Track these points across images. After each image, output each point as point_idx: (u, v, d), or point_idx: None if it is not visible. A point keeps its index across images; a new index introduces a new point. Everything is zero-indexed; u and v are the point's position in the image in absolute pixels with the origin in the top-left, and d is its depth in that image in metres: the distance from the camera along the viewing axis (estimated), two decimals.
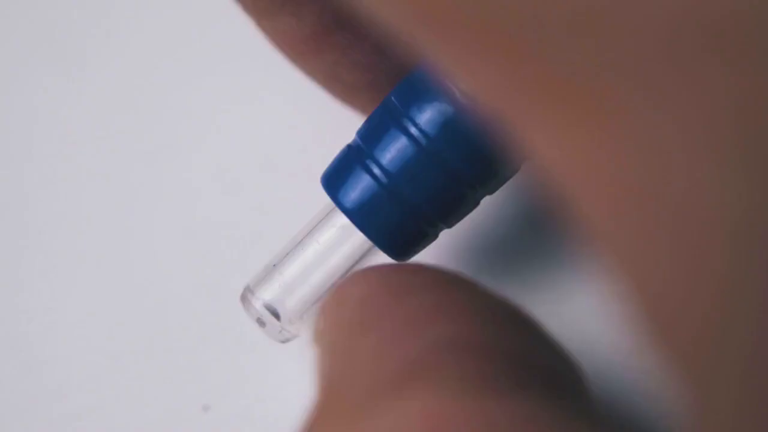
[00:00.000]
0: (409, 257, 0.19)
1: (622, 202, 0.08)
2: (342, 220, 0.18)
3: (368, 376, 0.13)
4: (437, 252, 0.20)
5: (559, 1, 0.07)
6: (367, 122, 0.18)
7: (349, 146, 0.18)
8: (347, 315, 0.15)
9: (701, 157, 0.08)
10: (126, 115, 0.24)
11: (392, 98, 0.17)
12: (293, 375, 0.21)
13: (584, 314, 0.20)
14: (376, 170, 0.17)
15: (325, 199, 0.18)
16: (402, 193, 0.17)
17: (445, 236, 0.19)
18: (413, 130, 0.17)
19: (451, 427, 0.12)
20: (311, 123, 0.23)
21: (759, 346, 0.08)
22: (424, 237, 0.18)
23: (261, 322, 0.19)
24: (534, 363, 0.14)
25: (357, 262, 0.19)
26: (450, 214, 0.18)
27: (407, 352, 0.13)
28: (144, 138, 0.23)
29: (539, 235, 0.21)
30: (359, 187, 0.18)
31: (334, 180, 0.18)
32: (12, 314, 0.23)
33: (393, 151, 0.17)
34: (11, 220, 0.23)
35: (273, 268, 0.19)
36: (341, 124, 0.22)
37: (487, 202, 0.18)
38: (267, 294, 0.19)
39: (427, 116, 0.17)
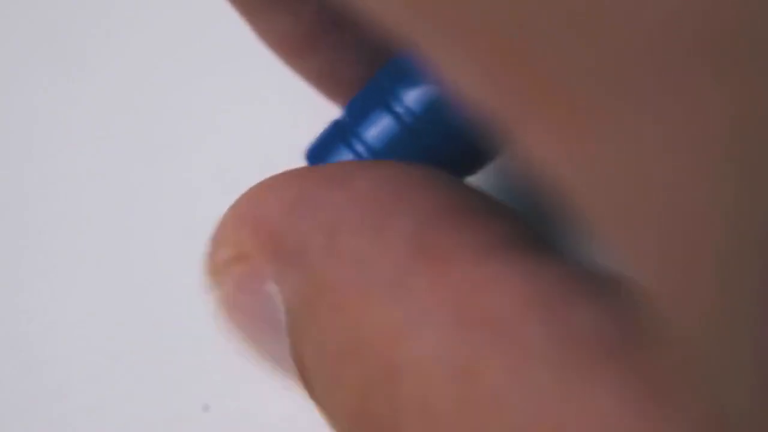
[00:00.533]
0: None
1: (613, 201, 0.08)
2: None
3: (389, 253, 0.12)
4: None
5: (555, 3, 0.08)
6: (355, 98, 0.18)
7: (335, 121, 0.18)
8: (296, 220, 0.13)
9: (685, 159, 0.08)
10: (126, 115, 0.24)
11: (379, 77, 0.17)
12: (295, 375, 0.21)
13: None
14: (360, 147, 0.17)
15: None
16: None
17: None
18: (398, 108, 0.17)
19: (501, 291, 0.12)
20: (312, 123, 0.23)
21: (760, 339, 0.08)
22: None
23: None
24: (521, 221, 0.13)
25: None
26: None
27: (407, 221, 0.13)
28: (144, 138, 0.23)
29: None
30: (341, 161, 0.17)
31: (318, 154, 0.18)
32: (12, 314, 0.23)
33: (377, 128, 0.17)
34: (11, 220, 0.23)
35: None
36: None
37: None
38: None
39: (413, 96, 0.17)
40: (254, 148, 0.23)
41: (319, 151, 0.18)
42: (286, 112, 0.23)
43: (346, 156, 0.17)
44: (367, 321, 0.12)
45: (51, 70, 0.24)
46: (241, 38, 0.23)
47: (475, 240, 0.12)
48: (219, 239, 0.15)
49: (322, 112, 0.22)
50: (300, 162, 0.22)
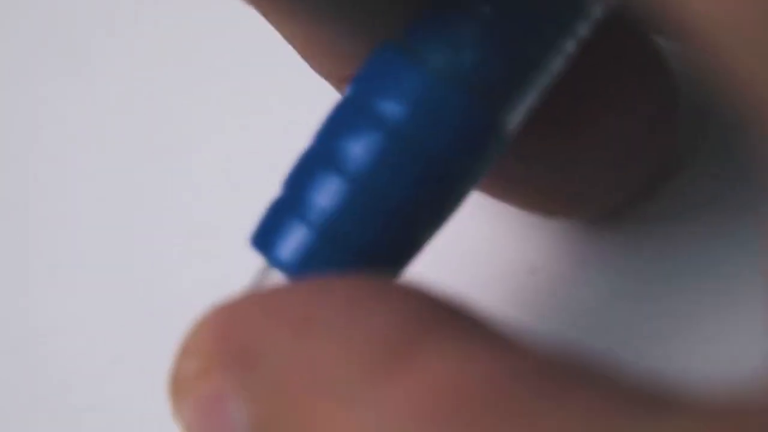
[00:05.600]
0: None
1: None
2: (281, 278, 0.16)
3: (346, 363, 0.12)
4: None
5: None
6: (292, 170, 0.16)
7: (274, 200, 0.16)
8: (259, 333, 0.13)
9: None
10: (129, 116, 0.24)
11: (316, 139, 0.16)
12: None
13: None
14: (308, 217, 0.15)
15: None
16: (339, 237, 0.15)
17: None
18: (341, 166, 0.15)
19: (475, 380, 0.12)
20: (317, 123, 0.23)
21: None
22: None
23: None
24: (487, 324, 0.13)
25: None
26: (399, 254, 0.16)
27: (380, 329, 0.12)
28: (146, 139, 0.23)
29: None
30: (293, 239, 0.15)
31: (265, 238, 0.16)
32: (15, 313, 0.23)
33: (322, 193, 0.15)
34: (16, 220, 0.24)
35: None
36: None
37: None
38: None
39: (357, 150, 0.15)
40: (259, 149, 0.23)
41: (265, 235, 0.16)
42: (291, 114, 0.23)
43: (296, 232, 0.15)
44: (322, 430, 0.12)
45: (56, 72, 0.24)
46: (246, 40, 0.23)
47: (447, 338, 0.12)
48: (185, 349, 0.14)
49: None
50: None
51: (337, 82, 0.18)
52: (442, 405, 0.12)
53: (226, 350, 0.14)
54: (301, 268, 0.15)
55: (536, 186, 0.19)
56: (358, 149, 0.15)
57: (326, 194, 0.15)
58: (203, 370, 0.14)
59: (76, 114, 0.24)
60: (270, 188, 0.22)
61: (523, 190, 0.19)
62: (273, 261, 0.16)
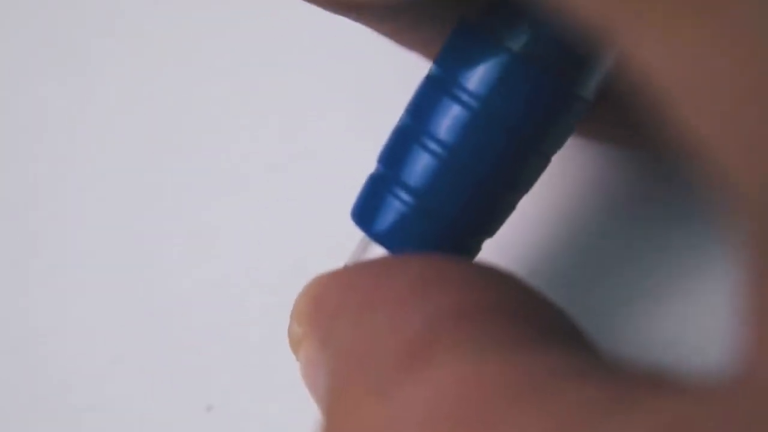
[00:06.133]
0: None
1: (736, 106, 0.09)
2: (380, 251, 0.17)
3: (386, 352, 0.13)
4: None
5: None
6: (386, 147, 0.17)
7: (371, 176, 0.18)
8: (337, 305, 0.15)
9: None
10: (130, 116, 0.24)
11: (407, 116, 0.17)
12: (296, 375, 0.21)
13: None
14: (403, 194, 0.17)
15: (338, 215, 0.18)
16: (433, 211, 0.17)
17: None
18: (431, 144, 0.16)
19: (487, 387, 0.12)
20: (317, 124, 0.23)
21: None
22: (468, 254, 0.17)
23: None
24: (540, 317, 0.14)
25: None
26: (490, 221, 0.17)
27: (418, 321, 0.13)
28: (148, 139, 0.23)
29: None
30: (390, 213, 0.17)
31: (365, 213, 0.17)
32: (18, 313, 0.23)
33: (415, 169, 0.16)
34: (18, 219, 0.23)
35: None
36: (349, 125, 0.22)
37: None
38: None
39: (445, 127, 0.16)
40: (259, 149, 0.23)
41: (364, 210, 0.17)
42: (292, 114, 0.23)
43: (393, 207, 0.17)
44: (359, 414, 0.13)
45: (56, 72, 0.24)
46: (248, 40, 0.23)
47: (473, 338, 0.13)
48: (293, 313, 0.16)
49: (329, 114, 0.22)
50: (305, 164, 0.22)
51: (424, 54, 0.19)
52: (446, 409, 0.12)
53: (315, 322, 0.15)
54: (397, 240, 0.17)
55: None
56: (445, 126, 0.16)
57: (418, 170, 0.16)
58: (303, 335, 0.16)
59: (75, 114, 0.24)
60: (270, 188, 0.22)
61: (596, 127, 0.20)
62: (372, 235, 0.17)
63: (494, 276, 0.15)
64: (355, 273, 0.15)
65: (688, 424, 0.10)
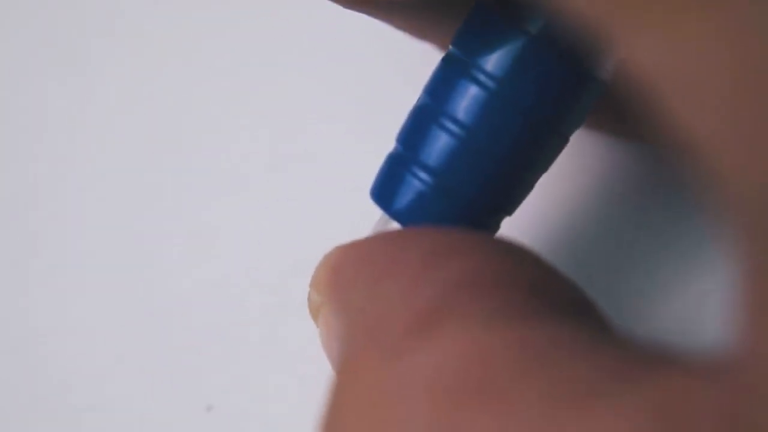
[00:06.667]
0: None
1: (738, 102, 0.09)
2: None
3: (397, 320, 0.14)
4: None
5: None
6: (405, 127, 0.18)
7: (390, 155, 0.18)
8: (353, 275, 0.15)
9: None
10: (130, 116, 0.24)
11: (425, 97, 0.17)
12: (296, 375, 0.21)
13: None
14: (422, 173, 0.17)
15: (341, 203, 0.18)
16: (452, 190, 0.17)
17: None
18: (450, 124, 0.17)
19: (492, 356, 0.13)
20: (318, 125, 0.23)
21: None
22: (488, 230, 0.18)
23: None
24: (552, 290, 0.14)
25: None
26: (508, 200, 0.17)
27: (430, 290, 0.14)
28: (147, 139, 0.23)
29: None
30: (409, 193, 0.17)
31: (384, 192, 0.17)
32: (18, 313, 0.23)
33: (434, 149, 0.17)
34: (19, 220, 0.24)
35: None
36: (349, 126, 0.22)
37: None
38: None
39: (463, 107, 0.16)
40: (260, 149, 0.23)
41: (383, 189, 0.17)
42: (293, 114, 0.23)
43: (412, 186, 0.17)
44: (368, 378, 0.14)
45: (56, 72, 0.24)
46: (245, 40, 0.23)
47: (482, 309, 0.13)
48: (313, 281, 0.17)
49: (330, 114, 0.22)
50: (306, 164, 0.22)
51: (440, 46, 0.19)
52: (451, 376, 0.13)
53: (332, 291, 0.16)
54: (416, 218, 0.17)
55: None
56: (463, 106, 0.17)
57: (436, 150, 0.17)
58: (322, 303, 0.16)
59: (75, 114, 0.24)
60: (270, 188, 0.22)
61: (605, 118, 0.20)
62: (390, 213, 0.17)
63: (509, 249, 0.15)
64: (372, 244, 0.16)
65: (690, 397, 0.11)
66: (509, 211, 0.18)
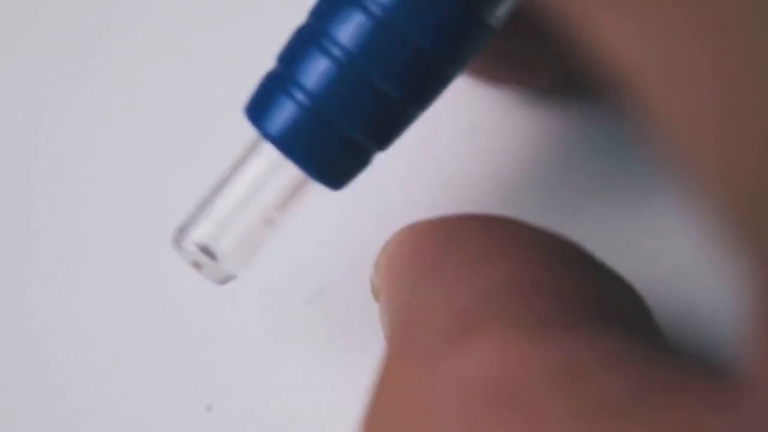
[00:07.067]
0: (344, 186, 0.18)
1: (715, 92, 0.09)
2: (270, 149, 0.17)
3: (437, 322, 0.14)
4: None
5: None
6: (286, 45, 0.17)
7: (269, 73, 0.17)
8: (402, 269, 0.15)
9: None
10: (130, 116, 0.24)
11: (310, 16, 0.17)
12: (297, 375, 0.21)
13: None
14: (299, 94, 0.16)
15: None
16: (327, 115, 0.16)
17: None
18: (331, 47, 0.16)
19: (524, 367, 0.13)
20: None
21: None
22: (356, 162, 0.17)
23: (197, 265, 0.18)
24: (601, 298, 0.14)
25: (292, 193, 0.18)
26: (383, 134, 0.17)
27: (470, 295, 0.14)
28: (147, 139, 0.23)
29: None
30: (283, 113, 0.17)
31: (257, 109, 0.17)
32: (17, 313, 0.23)
33: (313, 71, 0.16)
34: (17, 220, 0.23)
35: (204, 207, 0.18)
36: None
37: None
38: (200, 235, 0.18)
39: (344, 31, 0.16)
40: None
41: (259, 106, 0.17)
42: None
43: (287, 106, 0.17)
44: (404, 379, 0.14)
45: (56, 72, 0.24)
46: (245, 40, 0.23)
47: (520, 317, 0.13)
48: (375, 265, 0.17)
49: None
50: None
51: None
52: (483, 385, 0.13)
53: (385, 281, 0.16)
54: (288, 142, 0.17)
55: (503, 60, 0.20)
56: (347, 33, 0.16)
57: (316, 74, 0.16)
58: (381, 288, 0.16)
59: (75, 114, 0.24)
60: None
61: (494, 64, 0.20)
62: (264, 133, 0.17)
63: (558, 248, 0.15)
64: (426, 235, 0.16)
65: (714, 423, 0.11)
66: (383, 146, 0.17)
